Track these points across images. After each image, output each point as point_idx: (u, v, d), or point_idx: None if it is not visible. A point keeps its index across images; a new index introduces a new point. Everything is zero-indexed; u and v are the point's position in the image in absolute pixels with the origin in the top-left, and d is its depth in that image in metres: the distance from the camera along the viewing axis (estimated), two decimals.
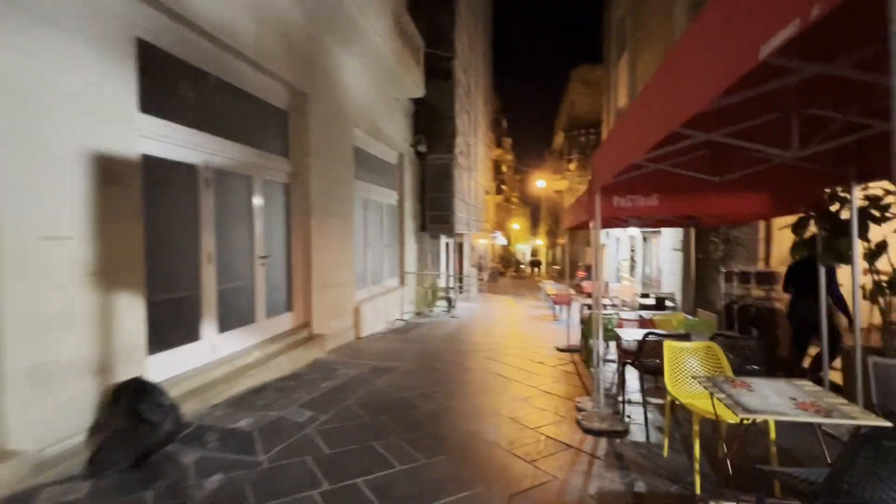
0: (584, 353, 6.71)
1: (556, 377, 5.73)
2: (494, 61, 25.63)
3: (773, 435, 2.75)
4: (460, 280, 16.18)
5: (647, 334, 4.03)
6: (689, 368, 3.28)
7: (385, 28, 7.49)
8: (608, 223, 7.40)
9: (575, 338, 7.77)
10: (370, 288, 8.83)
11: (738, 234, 7.07)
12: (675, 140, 3.03)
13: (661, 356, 3.97)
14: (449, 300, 11.42)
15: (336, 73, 7.02)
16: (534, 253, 41.31)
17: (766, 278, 5.76)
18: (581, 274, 20.87)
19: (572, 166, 24.99)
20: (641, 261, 13.30)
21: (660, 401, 4.56)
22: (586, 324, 6.28)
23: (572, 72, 25.50)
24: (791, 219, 4.42)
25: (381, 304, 8.74)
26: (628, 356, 4.67)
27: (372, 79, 8.33)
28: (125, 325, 3.53)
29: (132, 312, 3.60)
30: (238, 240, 5.18)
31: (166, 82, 4.18)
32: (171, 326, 4.23)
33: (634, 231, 13.93)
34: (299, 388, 4.80)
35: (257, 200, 5.47)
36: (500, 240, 31.12)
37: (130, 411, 3.03)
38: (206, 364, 4.49)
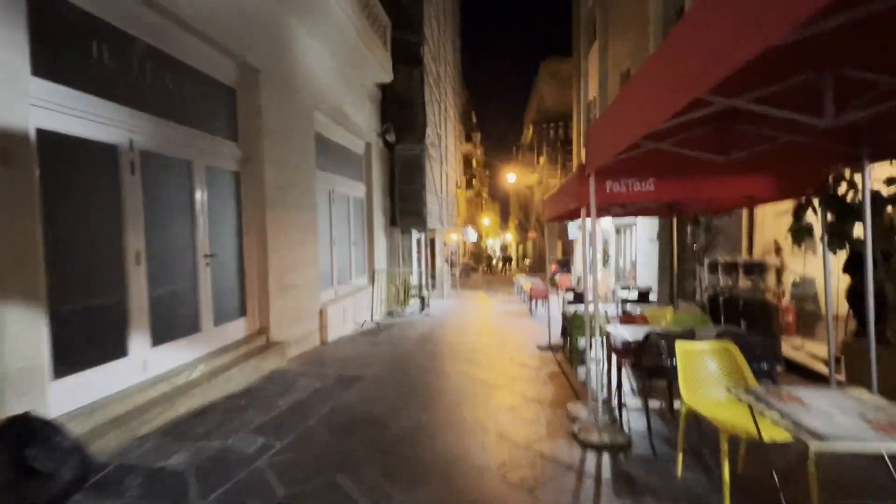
0: (568, 351, 6.28)
1: (542, 380, 5.26)
2: (463, 56, 25.13)
3: (811, 455, 2.33)
4: (433, 277, 15.61)
5: (649, 332, 3.57)
6: (706, 373, 2.83)
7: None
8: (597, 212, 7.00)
9: (556, 335, 7.35)
10: (337, 288, 8.13)
11: (720, 224, 6.82)
12: (693, 108, 2.56)
13: (657, 356, 3.54)
14: (422, 298, 10.82)
15: (294, 49, 6.27)
16: (504, 248, 41.25)
17: (753, 269, 5.50)
18: (554, 268, 20.73)
19: (542, 160, 24.83)
20: (615, 253, 13.13)
21: (654, 402, 4.15)
22: (571, 320, 5.84)
23: (541, 64, 25.30)
24: (784, 205, 4.08)
25: (349, 305, 8.05)
26: (623, 356, 4.23)
27: (335, 59, 7.59)
28: (16, 344, 2.76)
29: (27, 326, 2.83)
30: (176, 236, 4.41)
31: (74, 42, 3.39)
32: (87, 342, 3.45)
33: (606, 223, 13.75)
34: (252, 406, 4.11)
35: (200, 190, 4.69)
36: (472, 235, 30.74)
37: (13, 461, 2.30)
38: (134, 385, 3.74)
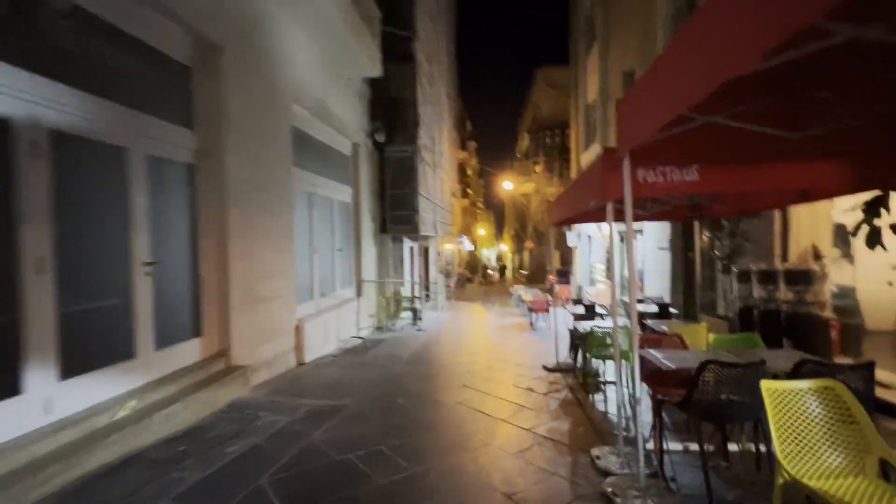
0: (580, 375, 5.41)
1: (553, 411, 4.37)
2: (459, 66, 24.59)
3: None
4: (427, 288, 14.73)
5: (707, 361, 2.72)
6: (808, 425, 1.97)
7: None
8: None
9: (563, 353, 6.48)
10: (318, 301, 7.22)
11: (747, 228, 6.03)
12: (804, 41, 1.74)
13: (713, 392, 2.69)
14: (414, 311, 9.93)
15: (267, 28, 5.47)
16: (499, 258, 40.47)
17: (798, 278, 4.70)
18: (552, 278, 19.91)
19: (538, 168, 24.17)
20: (619, 262, 12.32)
21: (692, 445, 3.28)
22: (585, 340, 4.98)
23: (537, 72, 24.77)
24: (820, 205, 3.27)
25: (331, 320, 7.14)
26: (662, 388, 3.38)
27: (316, 45, 6.80)
28: None
29: None
30: (103, 239, 3.52)
31: None
32: None
33: (608, 229, 12.96)
34: (191, 456, 3.18)
35: (138, 183, 3.82)
36: (467, 245, 29.90)
37: None
38: (30, 433, 2.82)
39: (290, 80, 6.08)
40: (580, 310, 7.04)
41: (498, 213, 55.07)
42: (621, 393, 3.76)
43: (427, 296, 14.75)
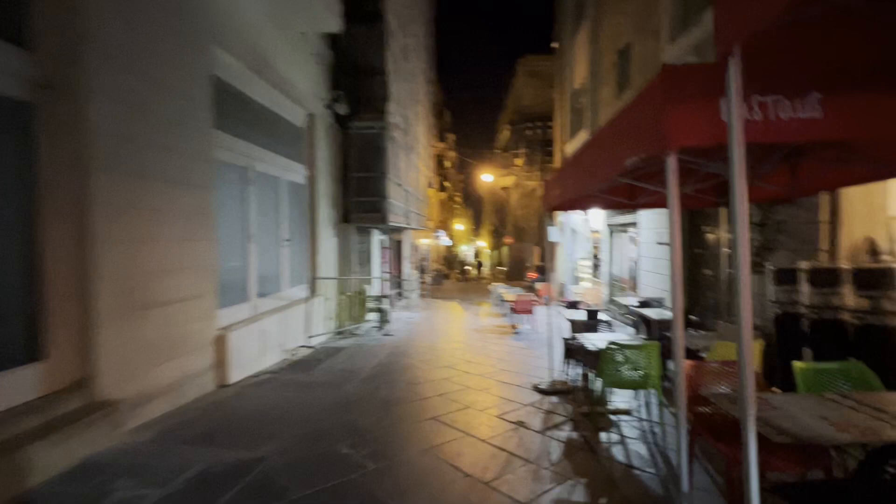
0: (588, 402, 4.14)
1: (559, 466, 3.07)
2: (438, 59, 23.14)
3: None
4: (399, 285, 13.31)
5: (886, 450, 1.44)
6: None
7: None
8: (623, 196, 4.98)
9: (557, 366, 5.22)
10: (255, 303, 5.72)
11: (783, 218, 4.87)
12: None
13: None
14: (381, 313, 8.51)
15: None
16: (476, 254, 39.28)
17: (873, 280, 3.56)
18: (532, 275, 18.78)
19: (519, 161, 23.01)
20: (608, 259, 11.22)
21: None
22: (598, 360, 3.70)
23: (518, 62, 23.56)
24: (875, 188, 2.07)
25: (273, 326, 5.67)
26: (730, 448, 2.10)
27: None
28: None
29: None
30: None
31: None
32: None
33: (596, 223, 11.85)
34: None
35: None
36: (444, 240, 28.55)
37: None
38: None
39: (215, 14, 4.56)
40: (578, 315, 5.75)
41: (476, 208, 53.93)
42: (680, 451, 2.49)
43: (399, 294, 13.34)
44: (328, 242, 7.98)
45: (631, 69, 9.39)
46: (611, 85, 10.65)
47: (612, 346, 3.47)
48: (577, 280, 13.73)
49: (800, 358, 3.98)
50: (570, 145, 13.93)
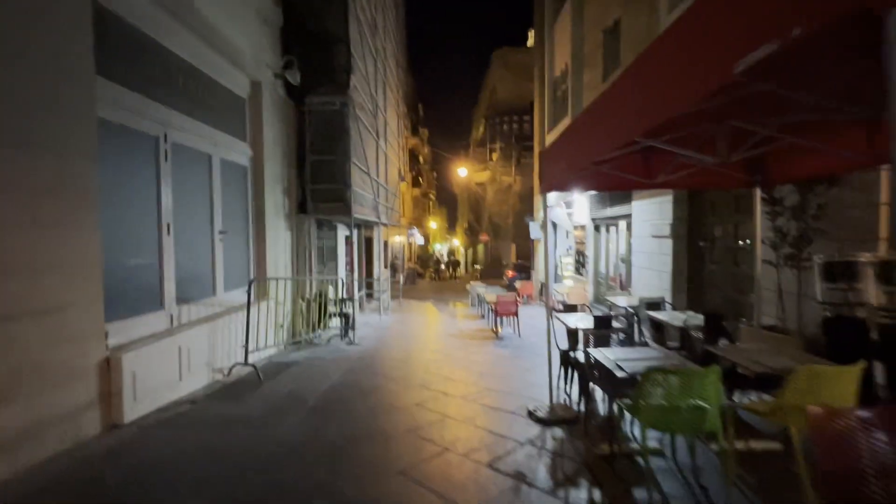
0: (606, 438, 3.11)
1: None
2: (410, 51, 21.93)
3: None
4: (369, 286, 12.08)
5: None
6: None
7: None
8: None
9: (552, 384, 4.19)
10: (174, 311, 4.43)
11: (824, 201, 4.01)
12: None
13: None
14: (346, 318, 7.30)
15: None
16: (451, 252, 38.21)
17: None
18: (511, 273, 17.89)
19: (495, 156, 22.09)
20: (594, 255, 10.36)
21: None
22: (634, 391, 2.67)
23: (494, 53, 22.63)
24: None
25: (198, 341, 4.41)
26: None
27: None
28: None
29: None
30: None
31: None
32: None
33: (580, 217, 10.99)
34: None
35: None
36: (418, 238, 27.37)
37: None
38: None
39: None
40: (581, 321, 4.66)
41: (451, 207, 52.91)
42: None
43: (370, 295, 12.11)
44: (280, 237, 6.71)
45: (621, 47, 8.52)
46: (596, 67, 9.78)
47: (656, 373, 2.43)
48: (559, 278, 12.86)
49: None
50: (551, 136, 13.03)
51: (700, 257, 6.42)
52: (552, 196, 12.65)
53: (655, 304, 6.59)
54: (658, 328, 4.85)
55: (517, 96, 21.87)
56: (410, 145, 24.12)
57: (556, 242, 13.72)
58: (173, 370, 4.03)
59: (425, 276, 26.95)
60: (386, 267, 17.80)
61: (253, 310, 5.18)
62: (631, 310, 6.10)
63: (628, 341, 4.58)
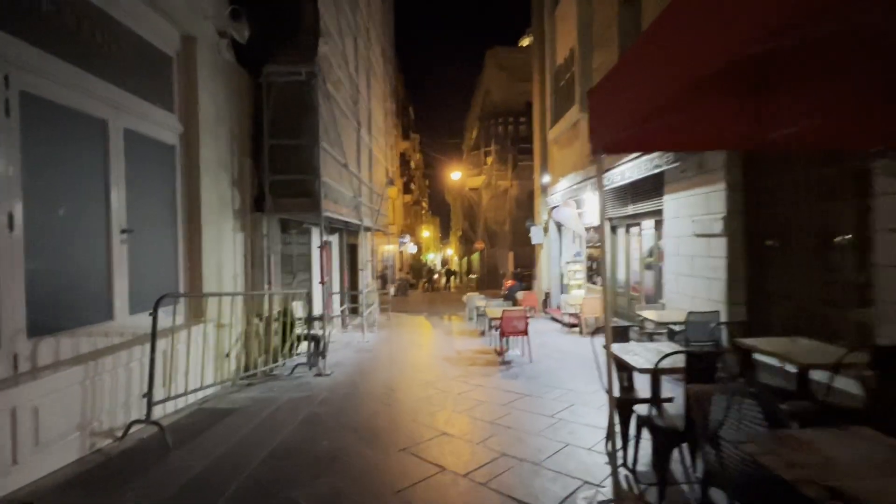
0: None
1: None
2: (401, 55, 20.68)
3: None
4: (354, 299, 10.49)
5: None
6: None
7: None
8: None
9: (613, 457, 2.64)
10: (27, 347, 2.84)
11: None
12: None
13: None
14: (314, 342, 5.71)
15: None
16: (445, 262, 36.61)
17: None
18: (509, 283, 16.37)
19: (490, 160, 20.75)
20: (610, 261, 8.89)
21: None
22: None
23: (487, 54, 21.42)
24: None
25: (59, 397, 2.83)
26: None
27: None
28: None
29: None
30: None
31: None
32: None
33: (593, 217, 9.55)
34: None
35: None
36: (410, 247, 25.87)
37: None
38: None
39: None
40: (641, 354, 3.08)
41: (444, 216, 51.54)
42: None
43: (354, 310, 10.51)
44: (226, 240, 5.15)
45: (643, 17, 7.18)
46: (609, 45, 8.43)
47: None
48: (565, 288, 11.37)
49: None
50: (556, 129, 11.67)
51: (765, 260, 4.97)
52: (557, 194, 11.21)
53: (705, 323, 5.12)
54: (748, 362, 3.32)
55: (512, 97, 20.63)
56: (401, 149, 22.72)
57: (561, 248, 12.27)
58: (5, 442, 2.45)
59: (418, 286, 25.35)
60: (375, 278, 16.22)
61: (178, 337, 3.60)
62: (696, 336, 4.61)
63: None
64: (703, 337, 5.06)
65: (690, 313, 5.15)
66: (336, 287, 9.88)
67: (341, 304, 10.12)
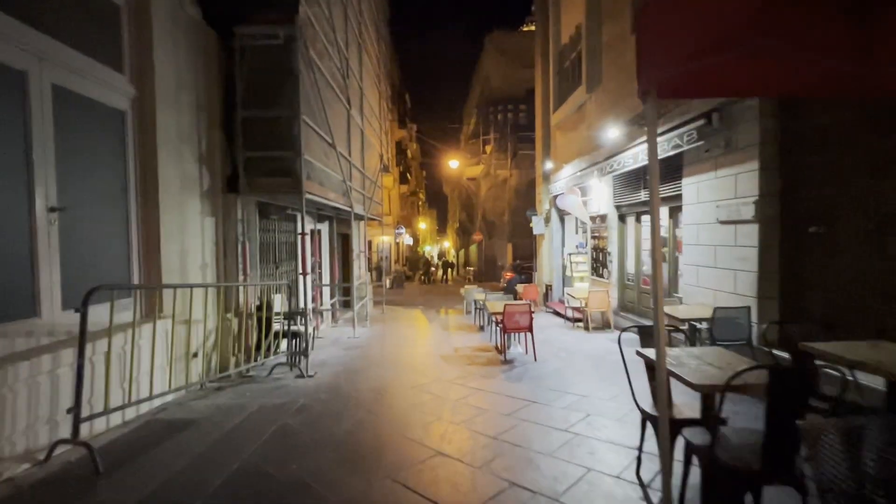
0: None
1: None
2: (397, 43, 19.80)
3: None
4: (346, 293, 9.87)
5: None
6: None
7: None
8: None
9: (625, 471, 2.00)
10: None
11: None
12: None
13: None
14: (297, 340, 5.09)
15: None
16: (442, 254, 35.95)
17: None
18: (508, 275, 15.78)
19: (489, 148, 20.05)
20: (618, 252, 8.28)
21: None
22: None
23: (486, 38, 20.61)
24: None
25: None
26: None
27: None
28: None
29: None
30: None
31: None
32: None
33: (600, 205, 8.93)
34: None
35: None
36: (406, 238, 25.19)
37: None
38: None
39: None
40: (710, 360, 2.42)
41: (441, 209, 50.77)
42: None
43: (346, 304, 9.89)
44: (191, 223, 4.50)
45: None
46: (620, 17, 7.73)
47: None
48: (568, 280, 10.78)
49: None
50: (558, 115, 11.00)
51: (805, 249, 4.36)
52: (561, 182, 10.54)
53: (733, 319, 4.54)
54: (807, 370, 2.71)
55: (512, 84, 19.89)
56: (398, 138, 21.95)
57: (563, 238, 11.65)
58: None
59: (414, 278, 24.73)
60: (370, 270, 15.58)
61: (113, 340, 2.97)
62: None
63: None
64: (732, 336, 4.50)
65: (718, 309, 4.56)
66: (327, 279, 9.24)
67: (332, 297, 9.50)
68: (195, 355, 4.35)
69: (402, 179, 23.58)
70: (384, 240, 20.75)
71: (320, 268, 8.95)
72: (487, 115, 20.52)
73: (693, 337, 4.95)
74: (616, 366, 5.31)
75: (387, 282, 18.86)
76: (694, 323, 4.92)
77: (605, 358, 5.78)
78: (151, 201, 3.96)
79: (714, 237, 5.31)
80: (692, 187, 5.72)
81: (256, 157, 5.05)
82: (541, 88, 12.63)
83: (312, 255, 8.06)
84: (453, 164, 19.94)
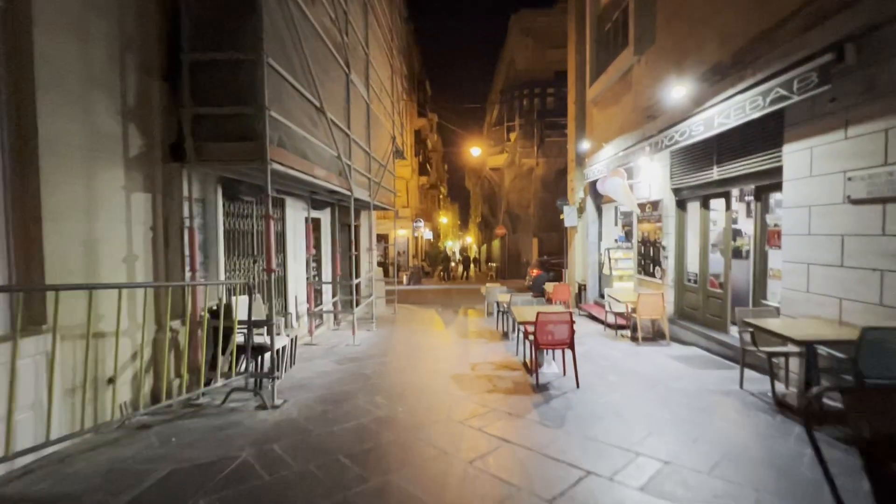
0: None
1: None
2: (416, 27, 18.39)
3: None
4: (353, 290, 8.57)
5: None
6: None
7: None
8: None
9: None
10: None
11: None
12: None
13: None
14: (259, 357, 3.80)
15: None
16: (463, 250, 34.44)
17: None
18: (534, 272, 14.21)
19: (514, 136, 18.45)
20: (675, 246, 6.66)
21: None
22: None
23: (512, 19, 18.94)
24: None
25: None
26: None
27: None
28: None
29: None
30: None
31: None
32: None
33: (653, 189, 7.31)
34: None
35: None
36: (426, 232, 23.87)
37: None
38: None
39: None
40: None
41: (463, 204, 49.25)
42: None
43: (353, 303, 8.62)
44: (104, 204, 3.24)
45: None
46: None
47: None
48: (606, 279, 9.18)
49: None
50: (595, 88, 9.38)
51: None
52: (599, 164, 8.80)
53: (891, 344, 2.96)
54: None
55: (539, 66, 18.20)
56: (417, 126, 20.60)
57: (600, 231, 10.04)
58: None
59: (433, 275, 23.39)
60: (383, 265, 14.31)
61: None
62: None
63: None
64: (891, 371, 2.92)
65: (868, 330, 2.98)
66: (326, 275, 7.99)
67: (333, 296, 8.25)
68: (111, 381, 3.11)
69: (422, 171, 22.23)
70: (401, 233, 19.52)
71: (318, 263, 7.70)
72: (512, 101, 18.91)
73: (811, 367, 3.38)
74: (692, 398, 3.78)
75: (403, 278, 17.61)
76: (815, 346, 3.36)
77: (672, 386, 4.25)
78: (29, 170, 2.71)
79: (839, 224, 3.69)
80: (801, 154, 4.10)
81: (210, 116, 3.76)
82: (574, 62, 10.98)
83: (308, 247, 6.80)
84: (475, 151, 18.42)
